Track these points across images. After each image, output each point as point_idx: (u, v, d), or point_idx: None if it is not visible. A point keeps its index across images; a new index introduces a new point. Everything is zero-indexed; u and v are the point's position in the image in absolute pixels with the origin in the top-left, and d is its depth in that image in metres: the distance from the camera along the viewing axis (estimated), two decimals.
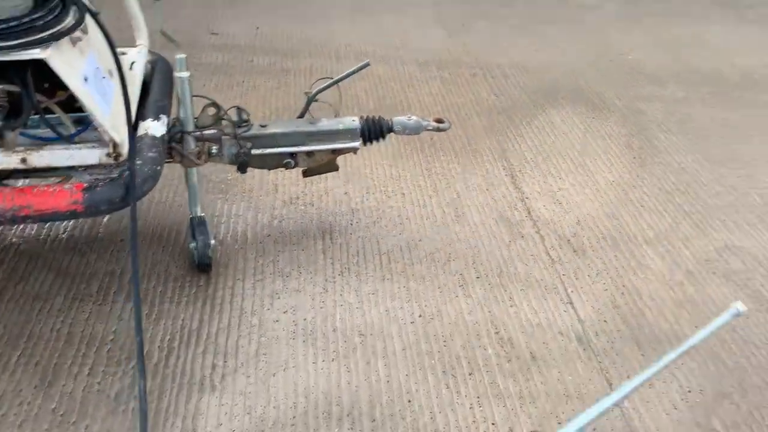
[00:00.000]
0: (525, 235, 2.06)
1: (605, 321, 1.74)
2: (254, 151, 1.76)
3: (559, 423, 1.44)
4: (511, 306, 1.76)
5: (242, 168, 1.78)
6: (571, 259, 1.96)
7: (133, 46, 1.77)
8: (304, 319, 1.66)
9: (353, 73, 1.80)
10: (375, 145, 2.38)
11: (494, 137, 2.63)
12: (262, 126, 1.77)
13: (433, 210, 2.14)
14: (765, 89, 3.13)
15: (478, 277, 1.85)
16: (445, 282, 1.83)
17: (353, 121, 1.83)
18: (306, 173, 1.93)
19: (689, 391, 1.55)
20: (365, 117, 1.87)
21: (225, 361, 1.51)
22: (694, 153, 2.59)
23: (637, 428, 1.45)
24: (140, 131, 1.51)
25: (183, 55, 1.60)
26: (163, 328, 1.59)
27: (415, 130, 1.90)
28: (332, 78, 1.82)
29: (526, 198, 2.25)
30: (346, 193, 2.19)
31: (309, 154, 1.82)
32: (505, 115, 2.81)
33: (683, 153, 2.58)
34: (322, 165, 1.88)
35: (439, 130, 1.93)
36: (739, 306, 1.07)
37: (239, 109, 1.76)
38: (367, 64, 1.82)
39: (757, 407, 1.53)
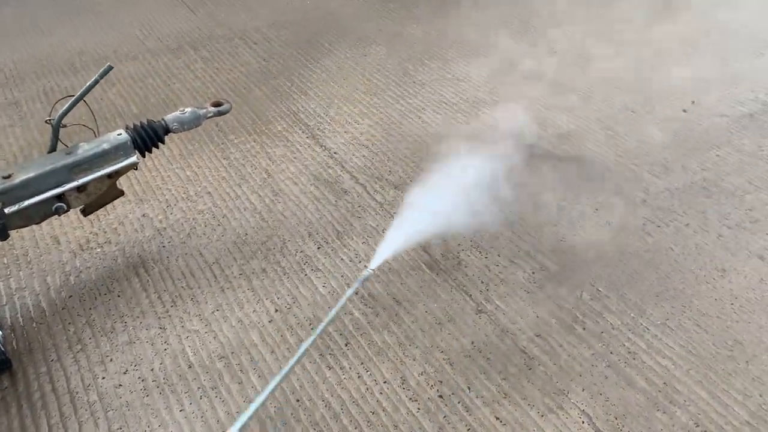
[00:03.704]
0: (347, 189, 2.03)
1: (446, 241, 1.81)
2: (9, 210, 1.42)
3: (442, 351, 1.47)
4: (360, 262, 1.73)
5: (1, 234, 1.44)
6: (396, 195, 1.98)
7: None
8: (151, 370, 1.44)
9: (96, 82, 1.52)
10: (157, 152, 2.12)
11: (281, 103, 2.51)
12: (6, 177, 1.43)
13: (248, 198, 1.99)
14: None
15: (319, 248, 1.78)
16: (289, 266, 1.72)
17: (119, 135, 1.57)
18: (86, 211, 1.63)
19: (533, 273, 1.70)
20: (133, 126, 1.62)
21: None
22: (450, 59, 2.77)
23: (505, 324, 1.55)
24: None
25: None
26: None
27: (195, 122, 1.70)
28: (74, 95, 1.53)
29: (335, 153, 2.21)
30: (144, 215, 1.92)
31: (80, 189, 1.53)
32: (283, 78, 2.70)
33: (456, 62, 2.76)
34: (102, 195, 1.61)
35: (220, 114, 1.76)
36: (366, 272, 1.29)
37: None
38: (110, 68, 1.55)
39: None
